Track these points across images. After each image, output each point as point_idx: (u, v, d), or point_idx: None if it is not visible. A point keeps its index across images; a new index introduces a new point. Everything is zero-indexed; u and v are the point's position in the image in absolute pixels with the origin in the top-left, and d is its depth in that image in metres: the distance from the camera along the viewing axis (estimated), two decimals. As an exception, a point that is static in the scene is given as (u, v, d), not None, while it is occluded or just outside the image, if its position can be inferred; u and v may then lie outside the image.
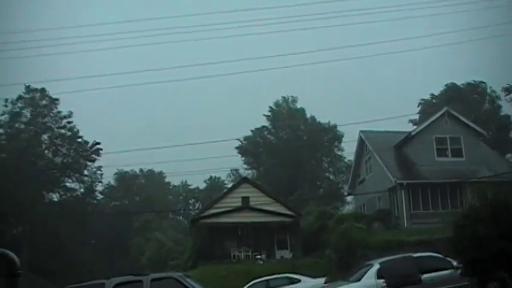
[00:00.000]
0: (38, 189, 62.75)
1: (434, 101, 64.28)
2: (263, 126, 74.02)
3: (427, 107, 63.78)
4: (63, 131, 66.20)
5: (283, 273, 27.66)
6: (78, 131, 66.51)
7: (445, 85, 65.56)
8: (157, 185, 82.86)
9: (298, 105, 74.99)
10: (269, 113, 74.25)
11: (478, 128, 42.41)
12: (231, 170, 78.20)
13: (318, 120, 73.31)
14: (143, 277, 16.18)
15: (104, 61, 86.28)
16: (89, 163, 67.60)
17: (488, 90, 65.09)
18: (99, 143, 66.43)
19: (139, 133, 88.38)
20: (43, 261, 52.95)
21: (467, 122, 42.57)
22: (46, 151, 65.88)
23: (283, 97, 75.30)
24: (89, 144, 66.63)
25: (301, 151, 70.73)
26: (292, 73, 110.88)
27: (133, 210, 72.95)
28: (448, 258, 19.09)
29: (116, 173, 78.43)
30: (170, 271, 27.15)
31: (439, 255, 19.64)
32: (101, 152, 66.62)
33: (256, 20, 72.96)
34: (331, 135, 73.19)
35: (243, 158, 74.18)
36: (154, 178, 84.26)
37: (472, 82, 65.36)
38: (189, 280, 16.66)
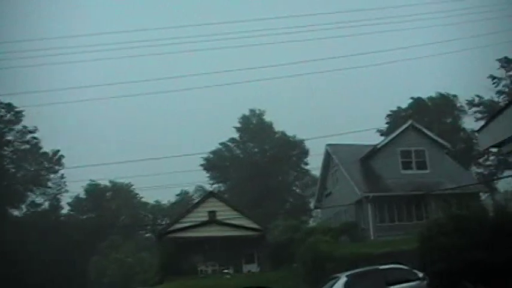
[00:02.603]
0: (1, 206, 61.70)
1: (403, 113, 64.99)
2: (231, 139, 74.26)
3: (395, 119, 64.46)
4: (27, 145, 65.66)
5: (252, 287, 27.54)
6: (40, 146, 66.06)
7: (412, 98, 66.49)
8: (127, 200, 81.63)
9: (266, 119, 75.42)
10: (238, 125, 74.61)
11: (441, 141, 42.93)
12: (196, 186, 78.28)
13: (285, 133, 73.69)
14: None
15: (69, 74, 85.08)
16: (52, 175, 67.13)
17: (458, 104, 66.18)
18: (59, 151, 66.24)
19: (107, 147, 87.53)
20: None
21: (431, 135, 43.07)
22: (8, 166, 65.04)
23: (252, 110, 75.66)
24: (50, 155, 66.15)
25: (268, 165, 70.95)
26: (259, 87, 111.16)
27: (101, 224, 71.76)
28: (414, 270, 19.21)
29: (86, 185, 77.06)
30: (138, 287, 26.89)
31: (405, 267, 19.74)
32: (63, 162, 66.43)
33: (224, 33, 73.21)
34: (298, 149, 73.52)
35: (209, 173, 74.09)
36: (123, 192, 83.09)
37: (440, 95, 66.41)
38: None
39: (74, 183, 68.75)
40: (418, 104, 65.81)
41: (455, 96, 66.07)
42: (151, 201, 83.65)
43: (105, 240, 65.15)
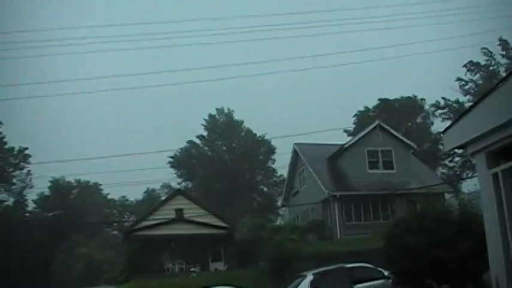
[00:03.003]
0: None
1: (370, 114, 65.73)
2: (199, 136, 74.14)
3: (362, 119, 65.17)
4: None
5: (218, 285, 27.53)
6: (5, 141, 64.98)
7: (380, 99, 67.26)
8: (93, 197, 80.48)
9: (236, 117, 75.48)
10: (206, 123, 74.52)
11: (408, 141, 43.48)
12: (164, 183, 77.91)
13: (252, 131, 73.84)
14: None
15: (38, 68, 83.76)
16: (17, 171, 66.23)
17: (426, 107, 67.27)
18: (26, 148, 65.27)
19: (74, 143, 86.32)
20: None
21: (398, 135, 43.64)
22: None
23: (219, 109, 75.58)
24: (16, 151, 65.23)
25: (236, 163, 71.00)
26: (228, 85, 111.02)
27: (67, 222, 70.69)
28: (380, 269, 19.42)
29: (50, 181, 75.78)
30: (102, 285, 26.66)
31: (371, 266, 19.97)
32: (30, 159, 65.53)
33: (197, 30, 73.11)
34: (265, 148, 73.72)
35: (177, 171, 73.89)
36: (90, 189, 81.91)
37: (407, 97, 67.26)
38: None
39: (40, 179, 68.02)
40: (385, 104, 66.61)
41: (423, 99, 67.09)
42: (117, 197, 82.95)
43: (69, 238, 64.16)
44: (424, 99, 66.84)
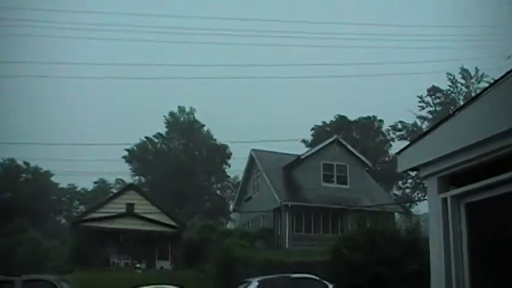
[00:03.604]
0: None
1: (328, 128, 66.19)
2: (158, 133, 73.71)
3: (320, 132, 65.58)
4: None
5: (160, 284, 27.42)
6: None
7: (339, 115, 67.71)
8: (43, 183, 78.90)
9: (198, 118, 75.41)
10: (167, 120, 74.20)
11: (363, 159, 44.01)
12: (117, 178, 77.05)
13: (211, 135, 73.86)
14: (14, 278, 15.50)
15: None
16: None
17: (384, 129, 68.00)
18: None
19: (27, 127, 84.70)
20: None
21: (354, 152, 44.11)
22: None
23: (181, 107, 75.34)
24: None
25: (192, 164, 70.82)
26: (191, 85, 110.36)
27: (13, 205, 69.08)
28: (325, 281, 19.61)
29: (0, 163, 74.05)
30: (45, 273, 26.20)
31: (316, 277, 20.13)
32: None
33: (168, 27, 72.50)
34: (221, 152, 73.74)
35: (131, 165, 73.35)
36: (40, 175, 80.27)
37: (367, 117, 67.88)
38: (64, 284, 16.16)
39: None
40: (343, 121, 67.14)
41: (381, 121, 67.76)
42: (65, 185, 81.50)
43: (14, 222, 62.76)
44: (382, 121, 67.64)
